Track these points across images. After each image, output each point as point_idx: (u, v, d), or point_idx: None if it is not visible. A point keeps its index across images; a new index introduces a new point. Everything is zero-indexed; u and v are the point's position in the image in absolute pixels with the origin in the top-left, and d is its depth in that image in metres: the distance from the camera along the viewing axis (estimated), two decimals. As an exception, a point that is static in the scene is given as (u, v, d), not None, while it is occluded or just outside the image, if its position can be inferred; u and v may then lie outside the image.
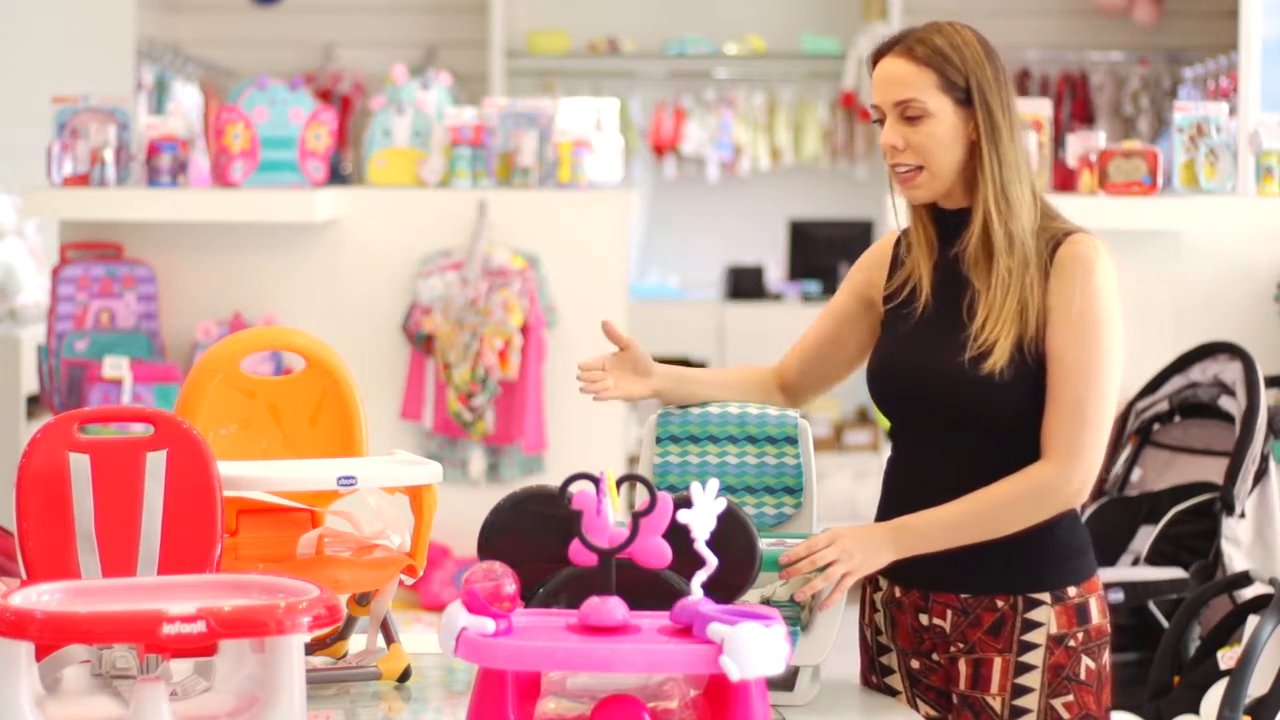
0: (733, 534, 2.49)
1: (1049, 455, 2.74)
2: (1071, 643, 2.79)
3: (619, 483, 2.44)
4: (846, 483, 7.88)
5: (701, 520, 2.28)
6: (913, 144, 2.77)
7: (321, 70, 8.87)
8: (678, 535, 2.29)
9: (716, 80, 9.16)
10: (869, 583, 2.92)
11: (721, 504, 2.30)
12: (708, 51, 9.02)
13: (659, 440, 2.92)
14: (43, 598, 2.29)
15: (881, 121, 2.80)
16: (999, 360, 2.73)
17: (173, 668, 2.49)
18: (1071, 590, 2.80)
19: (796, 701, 2.76)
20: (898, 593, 2.88)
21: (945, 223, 2.85)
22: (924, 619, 2.85)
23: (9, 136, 6.68)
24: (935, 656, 2.86)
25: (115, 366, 5.01)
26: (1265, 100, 5.55)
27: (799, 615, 2.75)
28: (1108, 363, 2.74)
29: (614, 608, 2.24)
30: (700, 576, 2.26)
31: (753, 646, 2.14)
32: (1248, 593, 3.89)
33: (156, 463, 2.62)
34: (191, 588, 2.37)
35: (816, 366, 3.02)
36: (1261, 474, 4.14)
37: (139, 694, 2.27)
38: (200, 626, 2.18)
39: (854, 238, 8.76)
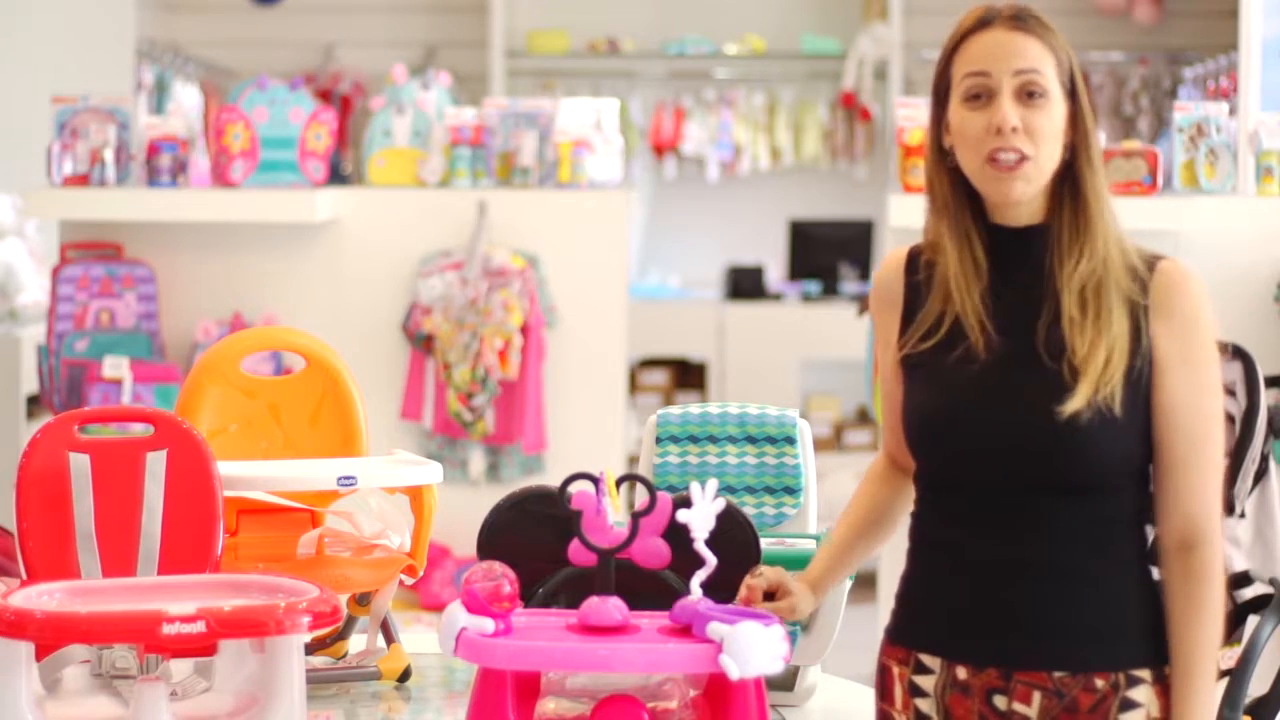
0: (732, 534, 2.49)
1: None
2: None
3: (619, 483, 2.44)
4: (846, 482, 7.88)
5: (701, 520, 2.28)
6: (1029, 127, 2.28)
7: (321, 70, 8.87)
8: (677, 535, 2.29)
9: (716, 80, 9.16)
10: (900, 662, 2.37)
11: (721, 504, 2.30)
12: (708, 51, 9.01)
13: (659, 440, 2.92)
14: (43, 598, 2.29)
15: (977, 98, 2.31)
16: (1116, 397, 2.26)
17: (173, 668, 2.49)
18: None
19: (796, 701, 2.76)
20: (962, 674, 2.31)
21: (1003, 242, 2.35)
22: (1001, 703, 2.30)
23: (9, 136, 6.68)
24: None
25: (115, 366, 5.01)
26: (1265, 100, 5.54)
27: (799, 615, 2.75)
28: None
29: (613, 608, 2.24)
30: (700, 576, 2.26)
31: (752, 646, 2.15)
32: (1248, 593, 3.89)
33: (156, 463, 2.63)
34: (191, 588, 2.37)
35: None
36: (1261, 474, 4.14)
37: (139, 694, 2.27)
38: (200, 626, 2.18)
39: (854, 238, 8.76)
